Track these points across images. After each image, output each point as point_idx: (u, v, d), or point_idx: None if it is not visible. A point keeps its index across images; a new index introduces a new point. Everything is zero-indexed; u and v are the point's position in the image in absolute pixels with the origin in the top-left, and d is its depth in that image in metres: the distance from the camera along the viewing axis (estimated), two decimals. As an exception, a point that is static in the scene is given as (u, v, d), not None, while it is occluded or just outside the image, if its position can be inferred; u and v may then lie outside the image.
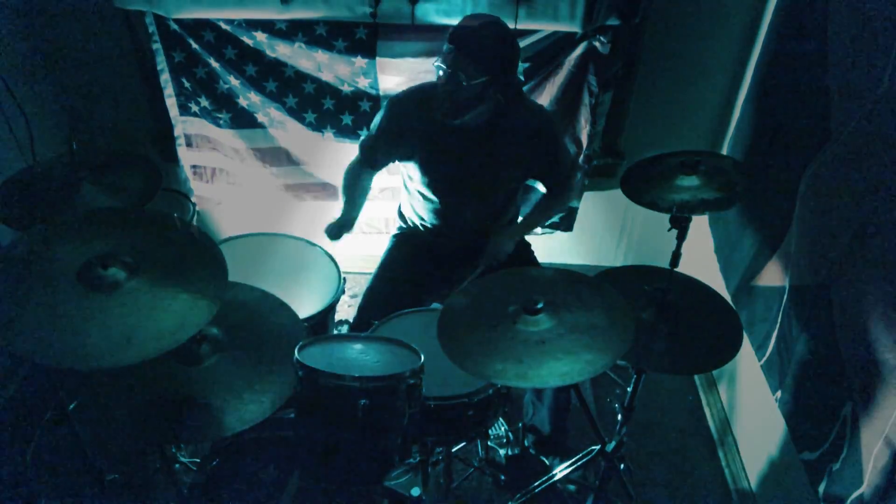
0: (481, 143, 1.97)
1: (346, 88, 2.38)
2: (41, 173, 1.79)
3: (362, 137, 2.12)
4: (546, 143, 2.05)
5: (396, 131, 2.01)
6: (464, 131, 1.93)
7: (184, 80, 2.41)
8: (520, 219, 2.38)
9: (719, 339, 1.67)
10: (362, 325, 1.97)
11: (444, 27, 2.18)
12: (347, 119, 2.45)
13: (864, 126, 1.63)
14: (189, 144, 2.57)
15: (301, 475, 1.63)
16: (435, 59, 1.83)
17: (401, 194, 2.25)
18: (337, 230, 2.06)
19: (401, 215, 2.28)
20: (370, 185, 2.20)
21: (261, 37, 2.27)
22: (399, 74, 2.33)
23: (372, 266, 2.20)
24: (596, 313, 1.48)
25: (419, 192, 2.11)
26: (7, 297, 1.24)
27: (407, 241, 2.24)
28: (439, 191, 2.07)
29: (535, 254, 2.26)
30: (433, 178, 2.04)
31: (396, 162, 2.12)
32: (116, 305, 1.24)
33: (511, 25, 2.12)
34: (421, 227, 2.19)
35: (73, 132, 2.61)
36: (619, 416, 1.86)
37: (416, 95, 2.00)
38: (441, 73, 1.82)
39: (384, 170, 2.57)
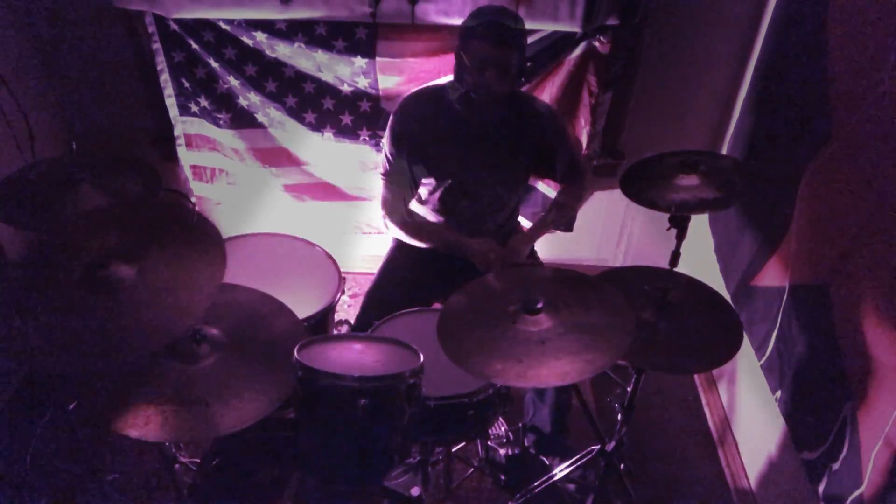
0: (488, 139, 1.98)
1: (346, 88, 2.38)
2: (41, 173, 1.79)
3: (382, 169, 2.09)
4: (554, 140, 2.07)
5: (408, 136, 2.01)
6: (472, 127, 1.95)
7: (184, 81, 2.41)
8: (519, 218, 2.39)
9: (719, 339, 1.67)
10: (364, 325, 1.97)
11: (444, 27, 2.18)
12: (347, 119, 2.45)
13: (863, 126, 1.63)
14: (189, 144, 2.57)
15: (301, 475, 1.63)
16: (435, 60, 1.84)
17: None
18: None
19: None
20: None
21: (261, 37, 2.27)
22: (399, 74, 2.33)
23: (372, 266, 2.20)
24: (596, 313, 1.48)
25: (424, 188, 2.11)
26: (13, 303, 1.24)
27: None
28: (444, 187, 2.07)
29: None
30: (439, 175, 2.05)
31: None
32: (120, 302, 1.24)
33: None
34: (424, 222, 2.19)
35: (72, 132, 2.61)
36: (619, 416, 1.86)
37: (419, 99, 2.01)
38: (474, 67, 1.82)
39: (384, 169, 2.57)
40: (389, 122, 2.04)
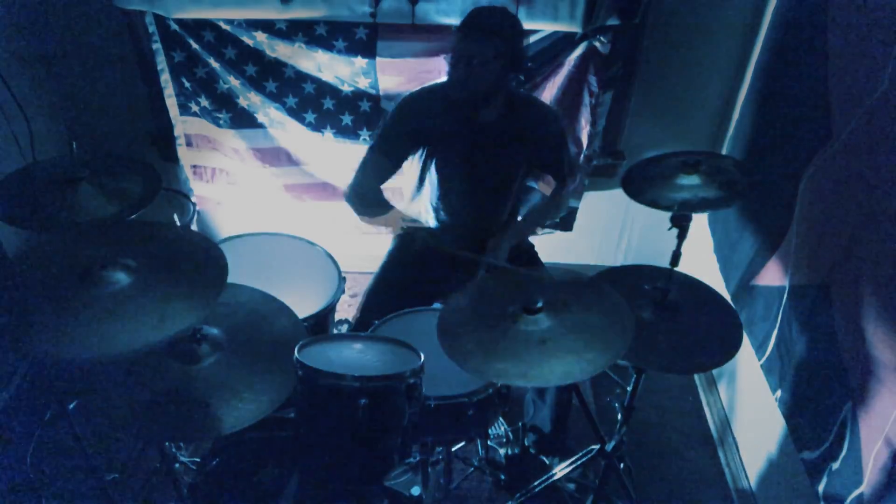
0: (492, 138, 1.98)
1: (346, 88, 2.38)
2: (41, 173, 1.79)
3: (365, 154, 2.06)
4: (554, 139, 2.07)
5: (404, 133, 2.01)
6: (475, 127, 1.95)
7: (184, 80, 2.41)
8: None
9: (719, 339, 1.67)
10: (363, 324, 1.98)
11: (444, 27, 2.18)
12: (347, 119, 2.45)
13: (864, 126, 1.63)
14: (189, 144, 2.57)
15: (301, 475, 1.63)
16: (440, 56, 1.84)
17: (404, 193, 2.26)
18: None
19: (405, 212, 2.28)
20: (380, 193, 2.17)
21: (261, 37, 2.27)
22: (399, 74, 2.33)
23: (372, 266, 2.20)
24: (596, 313, 1.48)
25: (425, 187, 2.11)
26: (15, 299, 1.25)
27: (410, 240, 2.24)
28: (447, 187, 2.07)
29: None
30: (443, 174, 2.05)
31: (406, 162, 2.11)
32: (117, 302, 1.25)
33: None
34: (425, 224, 2.19)
35: (72, 132, 2.61)
36: (619, 416, 1.86)
37: (424, 95, 2.01)
38: (450, 62, 1.83)
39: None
40: (388, 118, 2.03)
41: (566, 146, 2.15)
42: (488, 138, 1.98)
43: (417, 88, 2.05)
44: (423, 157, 2.05)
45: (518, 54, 1.89)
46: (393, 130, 2.02)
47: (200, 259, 1.40)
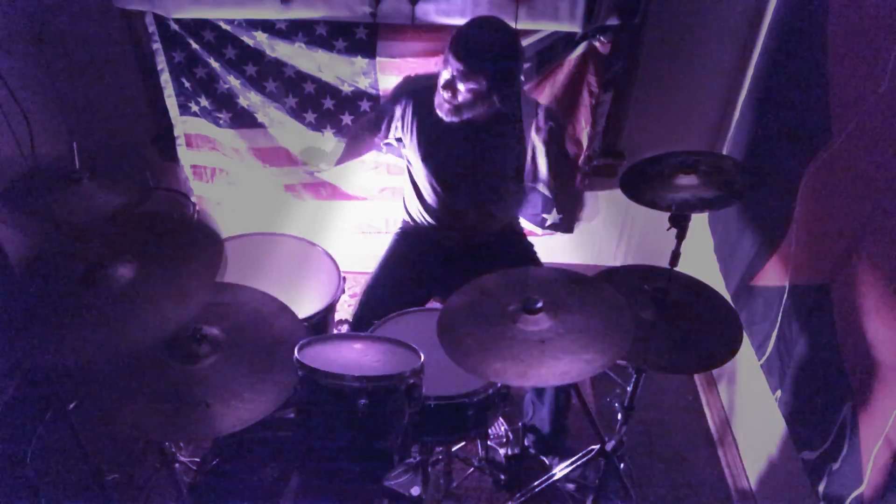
0: (482, 137, 1.98)
1: (346, 88, 2.38)
2: (41, 173, 1.79)
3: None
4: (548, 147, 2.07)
5: (401, 103, 2.08)
6: (466, 125, 1.95)
7: (184, 80, 2.41)
8: (521, 220, 2.40)
9: (719, 339, 1.67)
10: (363, 321, 1.98)
11: (444, 27, 2.18)
12: (347, 119, 2.45)
13: (864, 126, 1.63)
14: (189, 144, 2.57)
15: (301, 475, 1.63)
16: (435, 60, 1.85)
17: (405, 190, 2.26)
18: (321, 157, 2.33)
19: (405, 210, 2.28)
20: (366, 149, 2.38)
21: (261, 37, 2.27)
22: (399, 74, 2.32)
23: (372, 266, 2.20)
24: (595, 313, 1.48)
25: (421, 183, 2.12)
26: (13, 303, 1.25)
27: (409, 238, 2.25)
28: (440, 182, 2.07)
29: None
30: (434, 168, 2.05)
31: (401, 149, 2.14)
32: (119, 301, 1.25)
33: (511, 25, 2.12)
34: (423, 221, 2.19)
35: (72, 132, 2.61)
36: (619, 416, 1.86)
37: (427, 83, 2.01)
38: (442, 76, 1.83)
39: (384, 169, 2.57)
40: (396, 87, 2.16)
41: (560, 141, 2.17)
42: (474, 136, 1.98)
43: (417, 74, 2.08)
44: (413, 143, 2.06)
45: (511, 89, 1.91)
46: (392, 100, 2.12)
47: (196, 241, 1.41)
